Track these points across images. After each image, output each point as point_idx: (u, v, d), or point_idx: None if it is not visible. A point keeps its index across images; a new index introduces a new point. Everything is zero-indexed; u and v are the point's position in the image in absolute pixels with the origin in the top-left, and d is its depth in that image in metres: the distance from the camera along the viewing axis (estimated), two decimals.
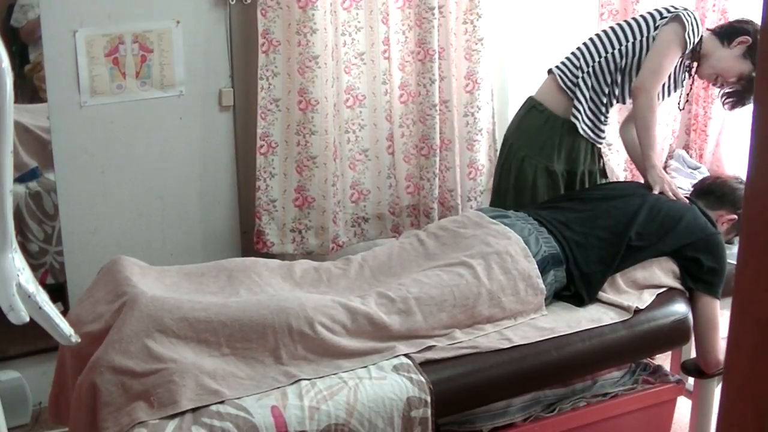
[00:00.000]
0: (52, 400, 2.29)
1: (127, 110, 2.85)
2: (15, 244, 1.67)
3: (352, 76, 3.07)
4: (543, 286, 2.37)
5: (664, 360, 2.87)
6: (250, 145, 2.99)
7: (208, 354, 2.04)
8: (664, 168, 3.50)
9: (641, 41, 2.75)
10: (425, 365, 2.13)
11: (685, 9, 2.74)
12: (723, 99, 2.89)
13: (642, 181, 2.82)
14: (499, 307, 2.31)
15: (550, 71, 2.89)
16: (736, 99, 2.84)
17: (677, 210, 2.59)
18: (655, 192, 2.65)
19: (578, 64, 2.80)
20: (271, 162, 2.99)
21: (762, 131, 0.92)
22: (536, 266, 2.38)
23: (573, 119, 2.78)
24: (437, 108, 3.12)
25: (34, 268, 2.68)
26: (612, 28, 2.83)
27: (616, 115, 3.31)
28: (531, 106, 2.86)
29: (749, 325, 0.95)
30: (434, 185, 3.18)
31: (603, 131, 2.86)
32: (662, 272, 2.51)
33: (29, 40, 2.75)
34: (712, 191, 2.78)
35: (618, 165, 3.45)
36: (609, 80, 2.79)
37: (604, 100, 2.81)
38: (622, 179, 3.46)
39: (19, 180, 2.74)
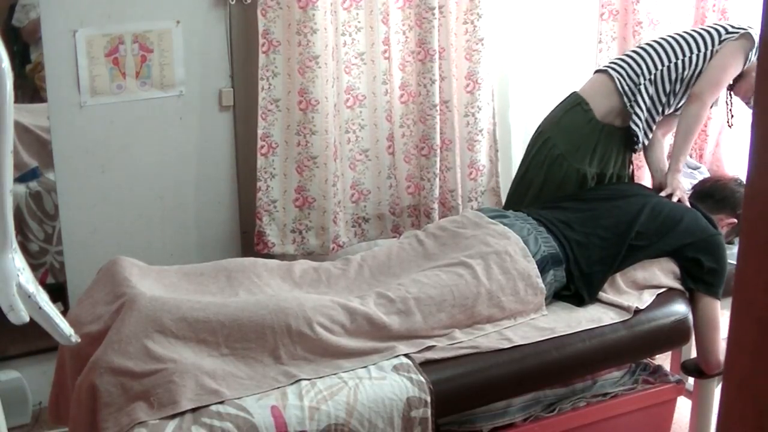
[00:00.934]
0: (52, 401, 2.29)
1: (127, 110, 2.85)
2: (15, 244, 1.67)
3: (353, 76, 3.07)
4: (542, 285, 2.37)
5: (664, 360, 2.87)
6: (251, 146, 2.99)
7: (208, 354, 2.04)
8: None
9: (705, 54, 2.73)
10: (425, 365, 2.13)
11: (752, 27, 2.74)
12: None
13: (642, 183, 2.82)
14: (499, 307, 2.31)
15: (602, 71, 2.84)
16: None
17: (678, 211, 2.59)
18: (665, 194, 2.66)
19: (639, 71, 2.75)
20: (272, 162, 2.99)
21: (762, 131, 0.92)
22: (535, 266, 2.38)
23: (633, 126, 2.73)
24: (437, 108, 3.12)
25: (34, 268, 2.68)
26: (674, 38, 2.80)
27: None
28: (576, 103, 2.80)
29: (749, 325, 0.95)
30: (435, 185, 3.18)
31: (649, 139, 2.82)
32: (662, 273, 2.51)
33: (31, 40, 2.75)
34: (711, 194, 2.78)
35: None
36: (668, 90, 2.76)
37: (659, 109, 2.77)
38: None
39: (19, 180, 2.74)
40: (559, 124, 2.81)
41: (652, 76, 2.75)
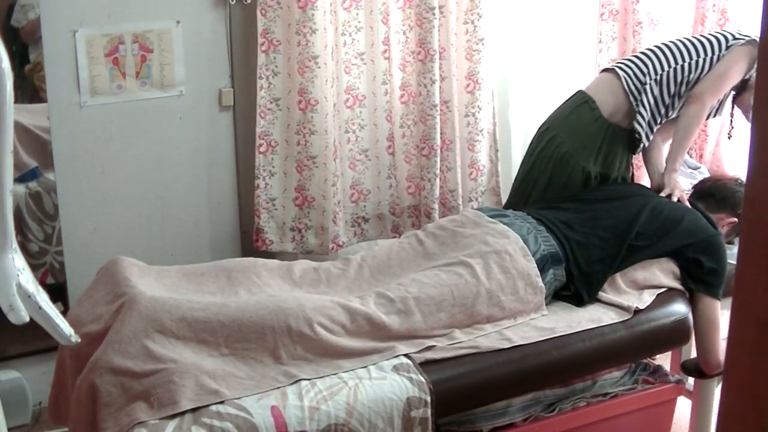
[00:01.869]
0: (52, 401, 2.29)
1: (127, 110, 2.85)
2: (15, 244, 1.67)
3: (352, 76, 3.07)
4: (542, 284, 2.37)
5: (664, 360, 2.87)
6: (250, 145, 2.99)
7: (208, 354, 2.04)
8: None
9: (711, 58, 2.74)
10: (425, 365, 2.13)
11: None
12: None
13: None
14: (499, 306, 2.31)
15: (608, 70, 2.85)
16: None
17: (678, 211, 2.59)
18: (664, 194, 2.66)
19: (645, 71, 2.77)
20: (271, 161, 2.99)
21: (762, 131, 0.92)
22: (535, 265, 2.38)
23: (637, 126, 2.74)
24: (438, 108, 3.12)
25: (34, 268, 2.68)
26: (682, 42, 2.81)
27: None
28: (583, 101, 2.80)
29: (749, 325, 0.95)
30: (435, 185, 3.18)
31: (650, 141, 2.83)
32: (662, 273, 2.51)
33: (29, 40, 2.75)
34: (711, 194, 2.78)
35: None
36: (673, 92, 2.77)
37: (662, 111, 2.78)
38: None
39: (19, 180, 2.74)
40: (567, 121, 2.81)
41: (658, 77, 2.76)
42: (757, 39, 2.68)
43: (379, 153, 3.17)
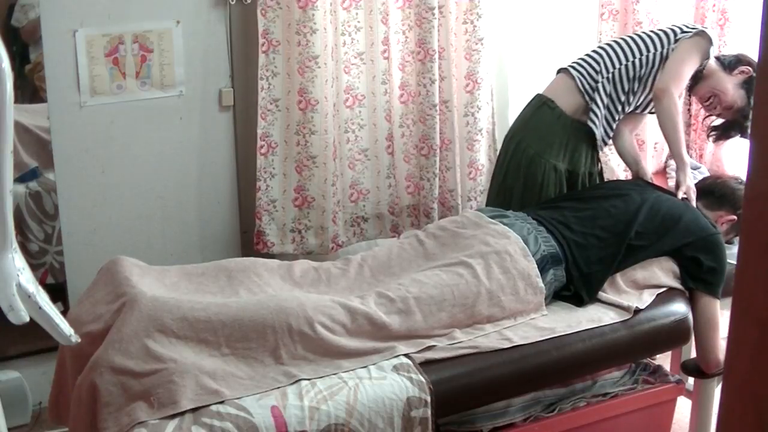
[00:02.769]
0: (52, 400, 2.29)
1: (127, 110, 2.85)
2: (15, 244, 1.68)
3: (352, 76, 3.07)
4: (542, 285, 2.37)
5: (664, 360, 2.87)
6: (251, 146, 2.99)
7: (208, 354, 2.04)
8: (664, 168, 3.51)
9: (661, 52, 2.78)
10: (425, 365, 2.13)
11: (707, 28, 2.82)
12: (708, 132, 3.01)
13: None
14: (499, 306, 2.31)
15: (562, 71, 2.88)
16: (721, 132, 2.94)
17: (677, 209, 2.59)
18: (681, 191, 2.67)
19: (598, 69, 2.80)
20: (271, 162, 2.99)
21: (762, 132, 0.92)
22: (535, 265, 2.38)
23: (590, 124, 2.78)
24: (437, 108, 3.12)
25: (34, 268, 2.68)
26: (632, 38, 2.85)
27: None
28: (542, 103, 2.84)
29: (749, 325, 0.95)
30: (434, 185, 3.18)
31: (610, 137, 2.88)
32: (662, 272, 2.51)
33: (30, 40, 2.75)
34: (711, 192, 2.79)
35: (618, 165, 3.45)
36: (626, 88, 2.80)
37: (618, 108, 2.82)
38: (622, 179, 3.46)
39: (19, 180, 2.74)
40: (529, 124, 2.85)
41: (610, 75, 2.79)
42: (706, 31, 2.74)
43: (378, 153, 3.17)
